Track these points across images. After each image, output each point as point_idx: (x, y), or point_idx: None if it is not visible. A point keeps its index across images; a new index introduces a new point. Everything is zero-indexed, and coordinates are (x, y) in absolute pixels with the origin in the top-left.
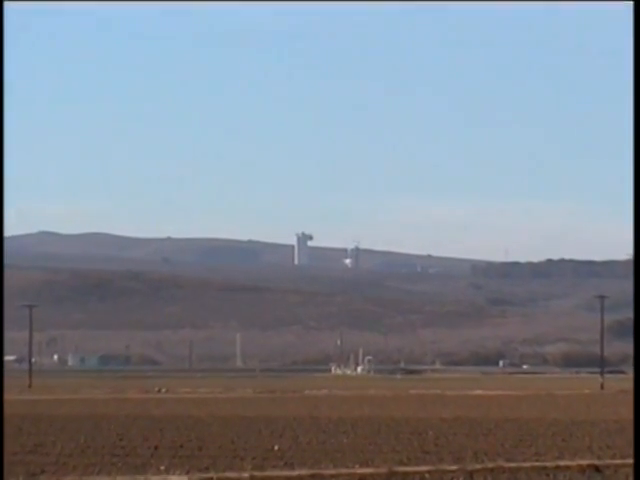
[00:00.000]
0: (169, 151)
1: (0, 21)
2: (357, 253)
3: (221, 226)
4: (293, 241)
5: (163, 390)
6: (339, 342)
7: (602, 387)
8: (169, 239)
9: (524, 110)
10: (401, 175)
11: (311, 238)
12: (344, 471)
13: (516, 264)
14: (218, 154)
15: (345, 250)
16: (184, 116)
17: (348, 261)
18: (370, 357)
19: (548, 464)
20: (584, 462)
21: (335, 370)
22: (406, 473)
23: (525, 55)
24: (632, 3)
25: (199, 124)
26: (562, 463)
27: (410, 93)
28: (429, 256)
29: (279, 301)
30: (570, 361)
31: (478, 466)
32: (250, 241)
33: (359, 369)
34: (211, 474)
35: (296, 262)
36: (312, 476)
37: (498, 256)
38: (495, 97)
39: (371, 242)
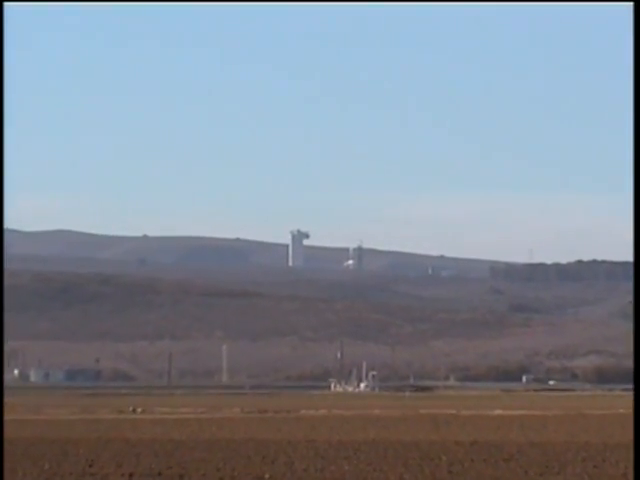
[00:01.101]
0: (145, 140)
1: (0, 21)
2: (360, 253)
3: (205, 222)
4: (287, 240)
5: (139, 410)
6: (339, 355)
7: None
8: (145, 237)
9: (550, 93)
10: (410, 165)
11: (307, 236)
12: None
13: (542, 266)
14: (201, 142)
15: (346, 250)
16: (165, 104)
17: (350, 262)
18: (375, 372)
19: None
20: None
21: (335, 387)
22: None
23: (540, 43)
24: (632, 3)
25: (180, 111)
26: None
27: (420, 80)
28: (442, 257)
29: (271, 308)
30: (603, 376)
31: None
32: (238, 240)
33: (362, 386)
34: None
35: (290, 264)
36: None
37: (521, 257)
38: (517, 81)
39: (376, 241)
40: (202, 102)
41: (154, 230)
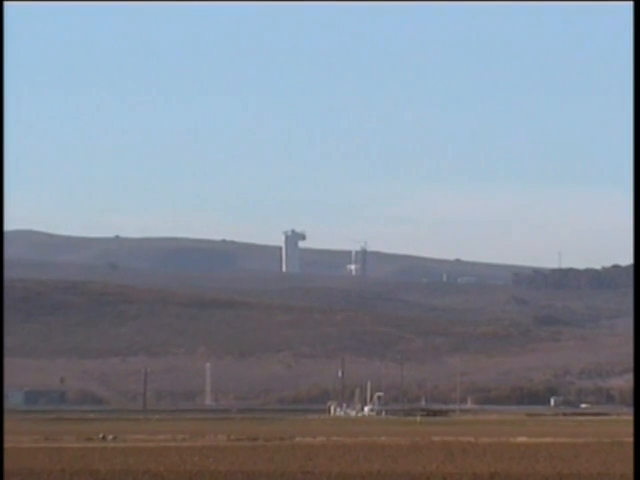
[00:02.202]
0: (116, 132)
1: (0, 21)
2: (364, 257)
3: (185, 222)
4: (280, 242)
5: (109, 437)
6: (340, 374)
7: None
8: (117, 239)
9: (578, 85)
10: (421, 156)
11: (303, 238)
12: None
13: (572, 271)
14: (180, 134)
15: (348, 253)
16: (139, 96)
17: (352, 267)
18: (381, 393)
19: None
20: None
21: (335, 410)
22: None
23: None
24: (632, 3)
25: (157, 102)
26: None
27: (432, 64)
28: (458, 261)
29: (262, 320)
30: None
31: None
32: (224, 241)
33: (367, 409)
34: None
35: (284, 269)
36: None
37: (548, 261)
38: (541, 68)
39: (382, 243)
40: (184, 93)
41: (127, 231)
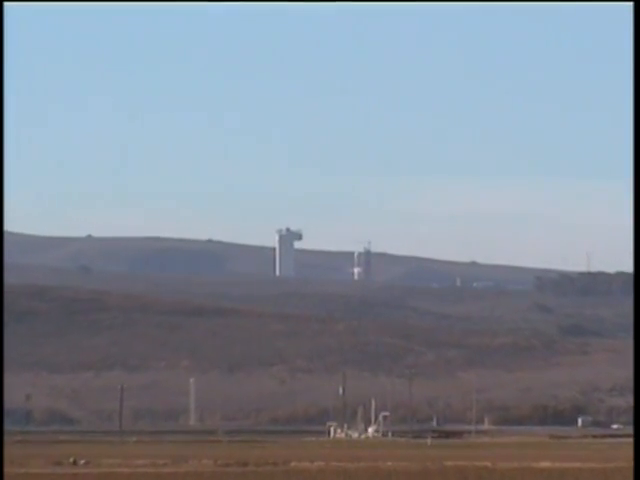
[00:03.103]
0: (90, 117)
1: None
2: (368, 259)
3: (167, 219)
4: (273, 241)
5: (81, 461)
6: (341, 390)
7: None
8: (90, 238)
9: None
10: (431, 146)
11: (300, 237)
12: None
13: (602, 275)
14: (161, 121)
15: (350, 254)
16: (122, 87)
17: (354, 271)
18: (387, 413)
19: None
20: None
21: (336, 432)
22: None
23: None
24: (632, 3)
25: (140, 91)
26: None
27: (443, 48)
28: (473, 263)
29: (253, 330)
30: None
31: None
32: (210, 241)
33: (371, 430)
34: None
35: (278, 272)
36: None
37: (576, 263)
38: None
39: (388, 243)
40: (166, 85)
41: (101, 229)
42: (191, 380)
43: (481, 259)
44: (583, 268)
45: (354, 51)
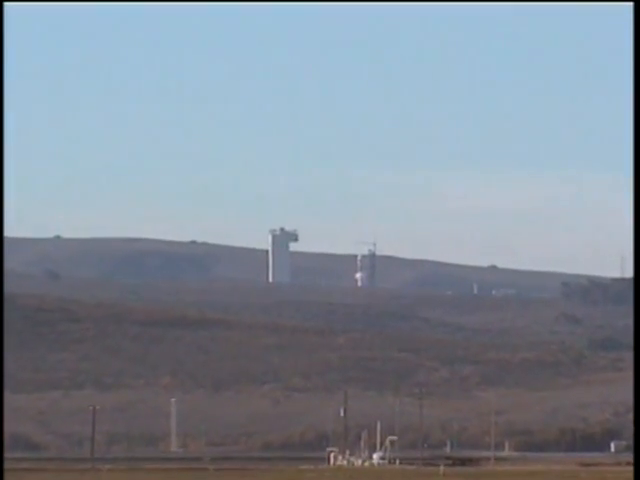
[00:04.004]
0: (59, 108)
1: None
2: (373, 263)
3: (145, 219)
4: (266, 244)
5: None
6: (343, 412)
7: None
8: (58, 239)
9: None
10: (443, 137)
11: (295, 238)
12: None
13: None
14: (140, 111)
15: (353, 258)
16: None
17: (357, 276)
18: (394, 437)
19: None
20: None
21: (337, 459)
22: None
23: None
24: (632, 3)
25: (118, 80)
26: None
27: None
28: (493, 268)
29: (242, 343)
30: None
31: None
32: (194, 243)
33: (376, 457)
34: None
35: (271, 278)
36: None
37: (608, 269)
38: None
39: (396, 245)
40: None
41: (71, 230)
42: (172, 400)
43: (501, 263)
44: (617, 274)
45: (354, 39)
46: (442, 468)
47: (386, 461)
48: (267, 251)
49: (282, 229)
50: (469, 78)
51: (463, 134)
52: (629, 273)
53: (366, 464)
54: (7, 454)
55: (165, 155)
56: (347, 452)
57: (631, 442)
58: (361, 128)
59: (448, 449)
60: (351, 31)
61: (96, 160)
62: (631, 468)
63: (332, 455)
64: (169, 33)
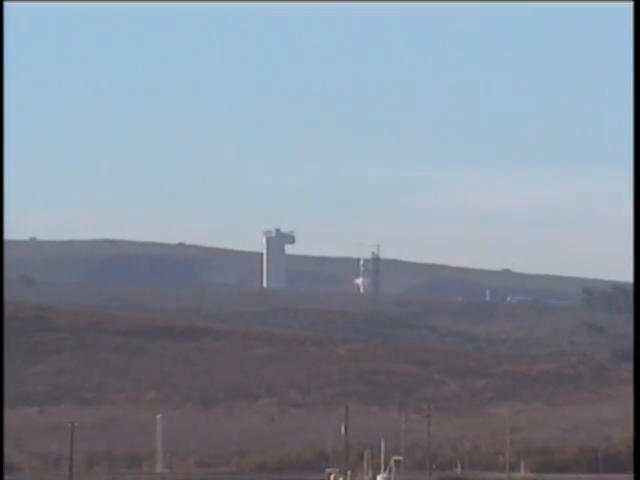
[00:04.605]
0: (35, 106)
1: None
2: (376, 267)
3: (128, 218)
4: (260, 246)
5: None
6: (343, 429)
7: None
8: (33, 242)
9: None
10: (451, 133)
11: (292, 240)
12: None
13: None
14: (122, 103)
15: (355, 262)
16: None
17: (360, 281)
18: (400, 457)
19: None
20: None
21: None
22: None
23: None
24: (632, 3)
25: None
26: None
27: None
28: (507, 272)
29: (234, 354)
30: None
31: None
32: (182, 246)
33: (380, 478)
34: None
35: (265, 283)
36: None
37: (632, 273)
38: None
39: (401, 247)
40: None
41: (47, 232)
42: (158, 417)
43: (516, 267)
44: None
45: (350, 34)
46: None
47: None
48: (261, 254)
49: (277, 230)
50: (487, 72)
51: (475, 127)
52: None
53: None
54: None
55: (150, 151)
56: (348, 473)
57: None
58: (363, 120)
59: (458, 470)
60: (346, 27)
61: (74, 157)
62: None
63: (332, 476)
64: (164, 31)
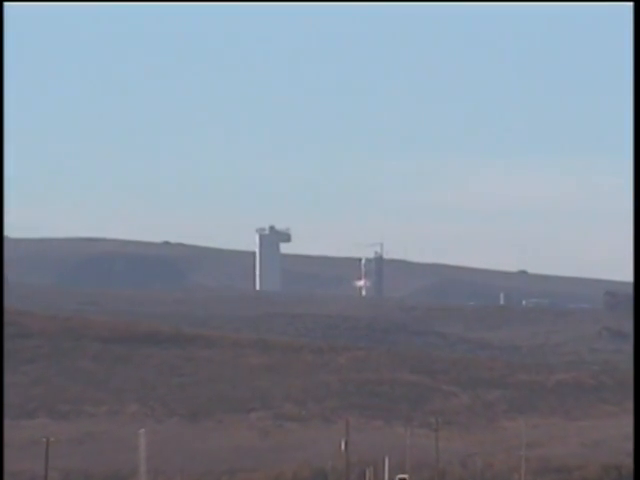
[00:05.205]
0: (10, 102)
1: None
2: (379, 268)
3: (109, 215)
4: (253, 245)
5: None
6: (343, 445)
7: None
8: (5, 240)
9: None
10: (460, 121)
11: (288, 238)
12: None
13: None
14: (104, 93)
15: (356, 262)
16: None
17: (361, 283)
18: (405, 475)
19: None
20: None
21: None
22: None
23: None
24: (632, 3)
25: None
26: None
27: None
28: (523, 274)
29: (225, 363)
30: None
31: None
32: (167, 244)
33: None
34: None
35: (258, 286)
36: None
37: None
38: None
39: (406, 247)
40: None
41: (19, 230)
42: (141, 431)
43: (532, 268)
44: None
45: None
46: None
47: None
48: (254, 254)
49: (272, 227)
50: (499, 53)
51: (485, 114)
52: None
53: None
54: None
55: (132, 142)
56: None
57: None
58: (365, 108)
59: None
60: (349, 21)
61: (50, 150)
62: None
63: None
64: (149, 25)
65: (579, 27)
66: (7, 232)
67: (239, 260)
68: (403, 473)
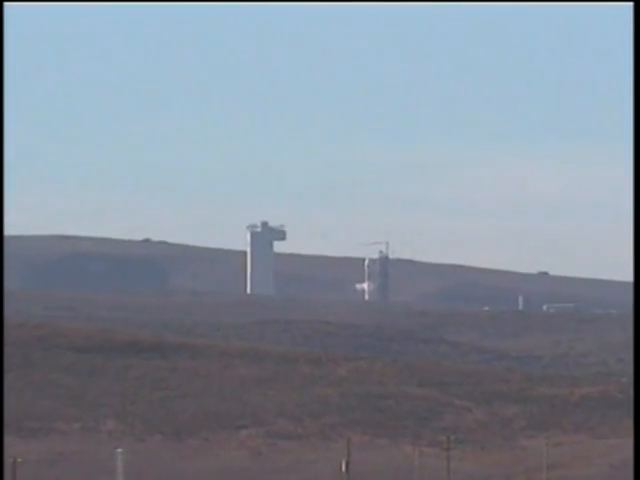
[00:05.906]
0: None
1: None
2: (384, 269)
3: (84, 211)
4: (243, 243)
5: None
6: (344, 466)
7: None
8: None
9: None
10: (473, 105)
11: (282, 236)
12: None
13: None
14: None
15: (358, 262)
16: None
17: (364, 286)
18: None
19: None
20: None
21: None
22: None
23: None
24: (632, 3)
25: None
26: None
27: None
28: (543, 276)
29: (212, 375)
30: None
31: None
32: (148, 242)
33: None
34: None
35: (249, 289)
36: None
37: None
38: None
39: (413, 246)
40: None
41: None
42: (119, 451)
43: (555, 269)
44: None
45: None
46: None
47: None
48: (245, 253)
49: (264, 224)
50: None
51: (500, 103)
52: None
53: None
54: None
55: (109, 131)
56: None
57: None
58: (368, 94)
59: None
60: (348, 20)
61: (20, 139)
62: None
63: None
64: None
65: (579, 19)
66: None
67: (228, 260)
68: None
